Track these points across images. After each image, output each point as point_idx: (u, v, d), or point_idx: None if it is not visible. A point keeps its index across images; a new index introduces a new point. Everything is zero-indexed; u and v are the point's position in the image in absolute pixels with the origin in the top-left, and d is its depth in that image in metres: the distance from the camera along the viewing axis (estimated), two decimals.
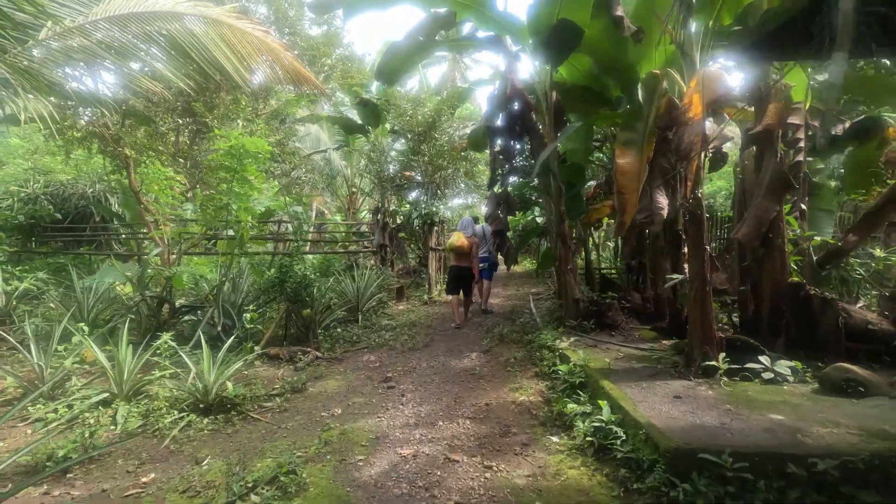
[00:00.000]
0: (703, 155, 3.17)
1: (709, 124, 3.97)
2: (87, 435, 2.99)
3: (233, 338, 4.47)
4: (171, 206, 6.31)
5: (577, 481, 2.56)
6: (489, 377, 4.54)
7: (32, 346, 3.90)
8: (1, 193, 10.25)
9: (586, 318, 5.66)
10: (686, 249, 5.14)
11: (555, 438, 3.10)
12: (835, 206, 6.20)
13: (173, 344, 4.02)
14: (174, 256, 6.22)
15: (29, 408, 3.52)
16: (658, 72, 4.06)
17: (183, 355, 3.93)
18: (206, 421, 3.43)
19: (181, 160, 8.44)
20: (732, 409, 2.88)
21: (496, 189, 7.03)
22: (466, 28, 6.41)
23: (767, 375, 3.35)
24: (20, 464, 2.78)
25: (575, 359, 3.93)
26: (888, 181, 5.00)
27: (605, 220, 8.68)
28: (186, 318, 5.83)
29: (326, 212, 18.45)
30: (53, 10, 3.58)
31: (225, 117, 7.99)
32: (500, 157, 6.88)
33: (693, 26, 3.53)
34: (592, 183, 8.14)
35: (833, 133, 5.02)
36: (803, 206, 4.95)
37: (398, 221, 11.67)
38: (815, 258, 4.88)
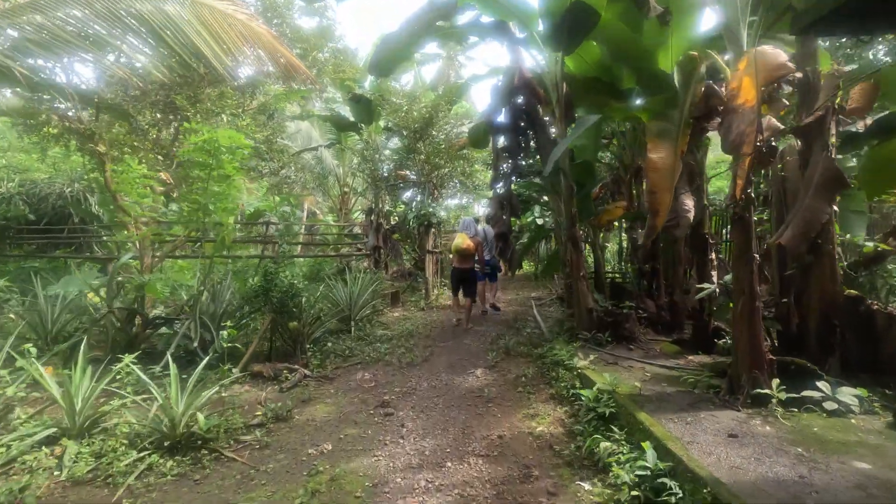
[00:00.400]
0: (760, 148, 2.68)
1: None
2: (16, 489, 2.44)
3: (208, 357, 3.94)
4: (149, 208, 5.71)
5: None
6: (499, 400, 4.03)
7: None
8: None
9: (601, 330, 5.20)
10: (713, 255, 4.72)
11: (586, 486, 2.59)
12: (865, 207, 5.79)
13: (135, 368, 3.45)
14: (150, 261, 5.64)
15: None
16: (696, 53, 3.57)
17: (147, 381, 3.36)
18: (170, 464, 2.88)
19: (161, 158, 7.82)
20: (805, 454, 2.39)
21: (499, 189, 6.56)
22: (465, 19, 5.94)
23: (830, 406, 2.87)
24: None
25: (600, 382, 3.43)
26: None
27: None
28: (161, 331, 5.25)
29: (318, 212, 17.87)
30: None
31: (209, 112, 7.40)
32: (504, 154, 6.41)
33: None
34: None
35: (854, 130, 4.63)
36: (835, 208, 4.54)
37: (392, 222, 11.18)
38: (845, 263, 4.46)
